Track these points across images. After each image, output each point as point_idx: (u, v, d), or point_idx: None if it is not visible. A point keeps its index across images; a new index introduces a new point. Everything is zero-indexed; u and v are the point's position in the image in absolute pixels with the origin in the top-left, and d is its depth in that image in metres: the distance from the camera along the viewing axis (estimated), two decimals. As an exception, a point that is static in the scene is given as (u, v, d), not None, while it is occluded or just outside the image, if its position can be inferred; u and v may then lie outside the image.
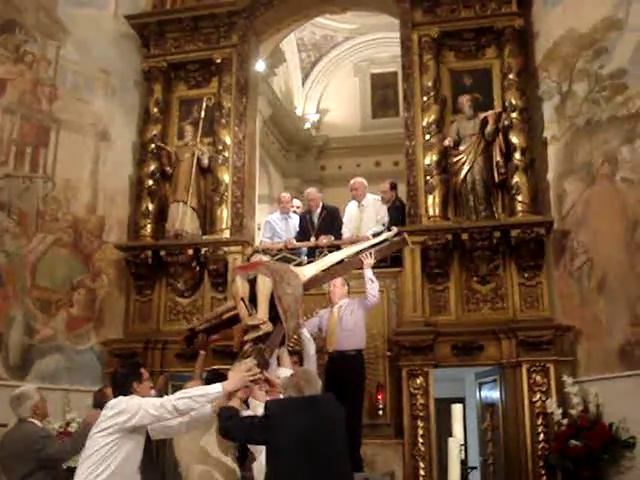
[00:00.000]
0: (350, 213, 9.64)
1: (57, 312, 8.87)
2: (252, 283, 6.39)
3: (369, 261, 7.43)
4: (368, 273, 7.36)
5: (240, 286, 6.44)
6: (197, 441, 5.32)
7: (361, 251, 7.64)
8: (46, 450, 5.57)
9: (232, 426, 4.51)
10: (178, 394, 4.66)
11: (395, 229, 8.26)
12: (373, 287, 7.35)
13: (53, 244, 8.98)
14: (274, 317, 6.19)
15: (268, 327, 6.04)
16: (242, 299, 6.26)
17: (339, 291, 7.57)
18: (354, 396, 7.09)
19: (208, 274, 9.20)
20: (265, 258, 7.17)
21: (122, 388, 4.71)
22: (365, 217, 9.32)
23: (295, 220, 10.00)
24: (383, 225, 9.06)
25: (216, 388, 4.65)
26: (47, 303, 8.80)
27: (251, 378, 4.86)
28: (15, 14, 9.08)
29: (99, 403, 6.11)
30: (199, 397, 4.59)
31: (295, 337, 7.23)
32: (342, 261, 7.63)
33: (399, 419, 8.12)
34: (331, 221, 9.45)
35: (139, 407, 4.47)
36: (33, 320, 8.62)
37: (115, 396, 4.69)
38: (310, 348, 6.86)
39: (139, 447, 4.61)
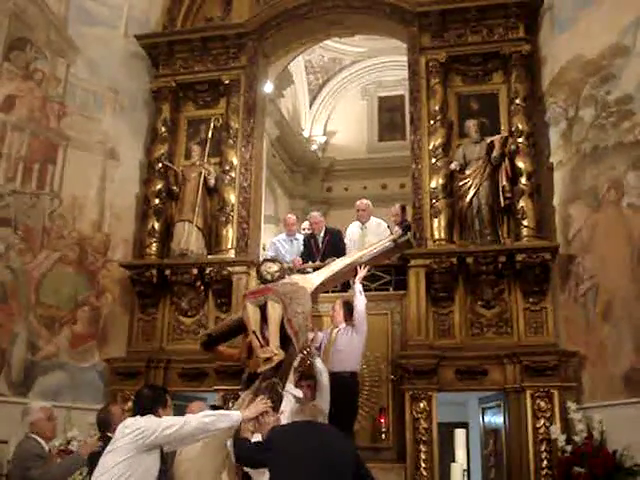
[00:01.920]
0: (353, 234, 9.65)
1: (61, 329, 8.86)
2: (263, 308, 6.41)
3: (361, 274, 7.43)
4: (357, 287, 7.34)
5: (251, 314, 6.44)
6: (200, 462, 5.30)
7: (367, 253, 7.69)
8: (32, 471, 5.51)
9: (241, 450, 4.81)
10: (203, 413, 4.87)
11: (399, 230, 8.24)
12: (360, 300, 7.32)
13: (58, 261, 8.99)
14: (284, 338, 6.22)
15: (281, 356, 6.07)
16: (254, 332, 6.29)
17: (339, 315, 7.54)
18: (343, 418, 6.93)
19: (212, 294, 9.20)
20: (275, 267, 7.15)
21: (147, 410, 4.69)
22: (368, 240, 9.27)
23: (301, 242, 10.00)
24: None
25: (236, 413, 4.95)
26: (51, 320, 8.79)
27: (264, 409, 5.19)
28: (26, 31, 9.16)
29: (103, 421, 6.13)
30: (223, 417, 4.85)
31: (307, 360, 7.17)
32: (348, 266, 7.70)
33: (402, 443, 8.04)
34: (335, 244, 9.44)
35: (158, 426, 4.49)
36: (36, 337, 8.61)
37: (134, 415, 4.70)
38: (323, 378, 6.73)
39: (155, 466, 4.58)
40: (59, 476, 5.61)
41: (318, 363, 6.78)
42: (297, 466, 4.19)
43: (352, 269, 7.68)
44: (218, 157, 9.79)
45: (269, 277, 7.03)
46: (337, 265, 7.65)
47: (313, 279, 7.23)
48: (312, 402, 6.05)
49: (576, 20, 8.62)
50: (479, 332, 8.42)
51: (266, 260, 7.54)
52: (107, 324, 9.31)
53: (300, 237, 10.16)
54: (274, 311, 6.28)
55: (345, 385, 7.11)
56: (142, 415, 4.63)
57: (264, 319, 6.37)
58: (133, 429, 4.48)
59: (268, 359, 6.04)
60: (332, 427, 4.77)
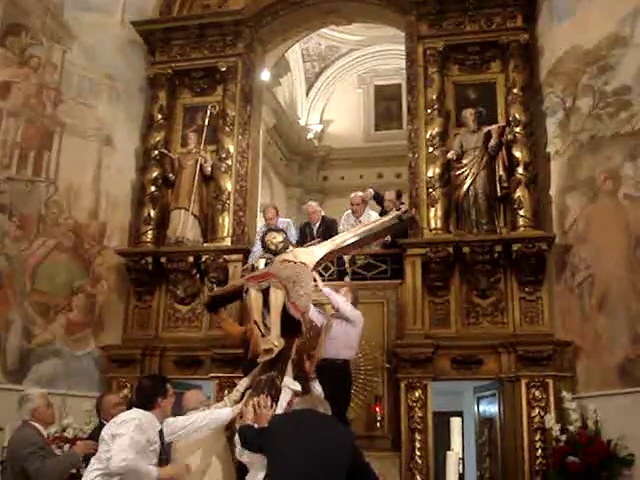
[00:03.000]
0: (348, 227, 9.52)
1: (56, 316, 8.84)
2: (265, 292, 6.37)
3: (320, 284, 7.22)
4: (325, 290, 7.16)
5: (254, 301, 6.39)
6: (199, 448, 5.32)
7: (372, 228, 7.75)
8: (28, 464, 5.48)
9: (244, 435, 4.84)
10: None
11: (403, 207, 8.20)
12: (335, 299, 7.17)
13: (54, 248, 8.96)
14: (285, 328, 6.21)
15: (281, 345, 6.05)
16: (255, 322, 6.26)
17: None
18: (333, 404, 6.88)
19: (208, 281, 9.18)
20: (280, 237, 7.13)
21: (147, 401, 4.71)
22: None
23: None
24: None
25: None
26: (46, 307, 8.76)
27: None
28: (22, 17, 9.10)
29: (96, 408, 6.15)
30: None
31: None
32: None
33: (397, 432, 8.07)
34: (330, 233, 9.39)
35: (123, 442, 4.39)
36: (32, 324, 8.59)
37: (137, 406, 4.71)
38: (317, 391, 6.73)
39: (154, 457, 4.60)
40: (55, 474, 5.57)
41: (317, 386, 6.74)
42: (291, 452, 4.20)
43: (355, 245, 7.70)
44: (214, 145, 9.76)
45: (273, 247, 7.04)
46: (341, 238, 7.65)
47: (315, 252, 7.20)
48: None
49: (574, 10, 8.60)
50: (475, 321, 8.44)
51: (271, 230, 7.52)
52: (102, 311, 9.29)
53: (280, 227, 9.99)
54: (276, 299, 6.22)
55: (335, 371, 7.08)
56: (142, 406, 4.64)
57: (266, 304, 6.33)
58: (120, 421, 4.51)
59: (268, 350, 6.02)
60: (331, 416, 4.78)
